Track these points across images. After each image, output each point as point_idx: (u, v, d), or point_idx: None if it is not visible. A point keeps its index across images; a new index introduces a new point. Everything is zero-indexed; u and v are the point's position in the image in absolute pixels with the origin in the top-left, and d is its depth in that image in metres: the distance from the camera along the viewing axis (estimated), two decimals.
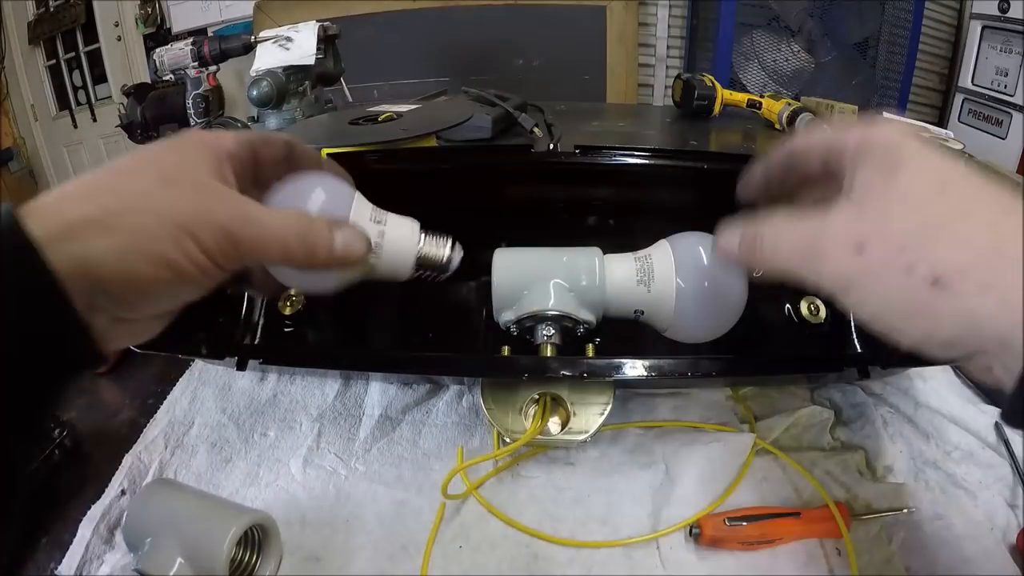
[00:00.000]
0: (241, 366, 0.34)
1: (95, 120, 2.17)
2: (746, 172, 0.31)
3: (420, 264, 0.31)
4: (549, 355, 0.33)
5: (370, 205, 0.32)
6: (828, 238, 0.23)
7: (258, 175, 0.30)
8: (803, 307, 0.40)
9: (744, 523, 0.32)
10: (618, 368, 0.32)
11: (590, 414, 0.35)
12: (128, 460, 0.38)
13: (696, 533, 0.32)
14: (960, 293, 0.20)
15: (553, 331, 0.33)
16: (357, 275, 0.31)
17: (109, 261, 0.22)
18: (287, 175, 0.30)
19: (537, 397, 0.36)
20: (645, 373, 0.32)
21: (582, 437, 0.35)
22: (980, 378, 0.23)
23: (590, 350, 0.34)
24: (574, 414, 0.35)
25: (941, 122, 1.45)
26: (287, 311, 0.40)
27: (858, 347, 0.38)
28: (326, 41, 1.03)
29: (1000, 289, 0.19)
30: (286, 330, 0.40)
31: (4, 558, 0.21)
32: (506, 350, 0.34)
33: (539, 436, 0.34)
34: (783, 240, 0.25)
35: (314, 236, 0.27)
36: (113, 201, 0.23)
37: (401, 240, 0.31)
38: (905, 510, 0.32)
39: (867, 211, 0.23)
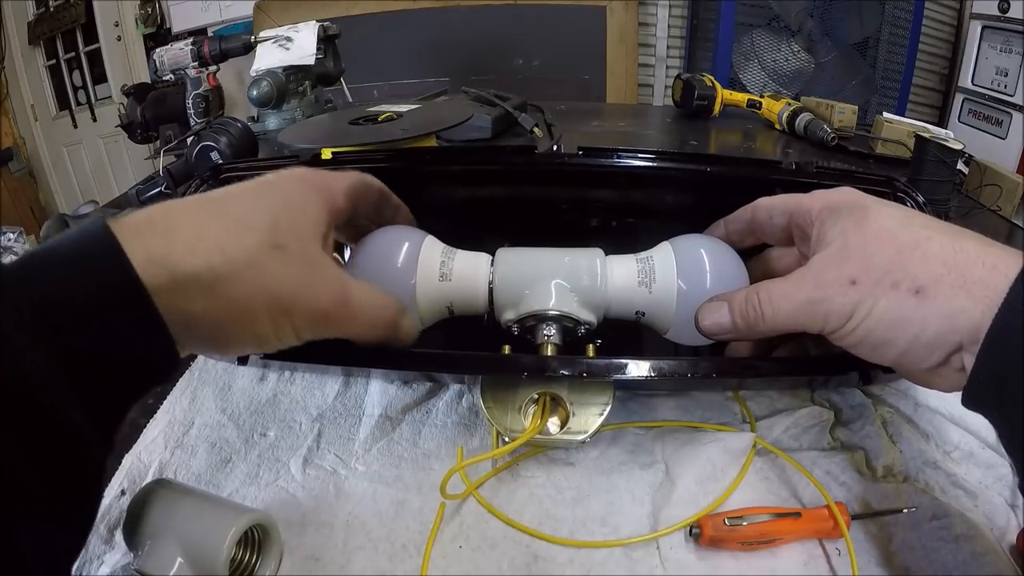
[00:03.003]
0: (242, 361, 0.34)
1: (95, 120, 2.17)
2: (711, 227, 0.36)
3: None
4: (549, 355, 0.33)
5: (441, 246, 0.36)
6: (825, 284, 0.27)
7: (352, 219, 0.34)
8: None
9: (744, 523, 0.32)
10: (618, 368, 0.32)
11: (589, 414, 0.35)
12: (128, 460, 0.38)
13: (696, 533, 0.32)
14: (938, 297, 0.24)
15: (554, 331, 0.33)
16: (439, 315, 0.34)
17: (206, 323, 0.23)
18: (370, 231, 0.35)
19: (536, 397, 0.36)
20: (645, 374, 0.32)
21: (581, 437, 0.35)
22: (952, 383, 0.27)
23: (590, 350, 0.34)
24: (573, 414, 0.35)
25: (941, 122, 1.45)
26: None
27: None
28: (326, 41, 1.03)
29: (967, 288, 0.24)
30: None
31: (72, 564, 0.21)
32: (507, 349, 0.34)
33: (538, 436, 0.34)
34: (782, 303, 0.28)
35: (392, 320, 0.30)
36: (220, 261, 0.23)
37: (469, 275, 0.33)
38: (905, 510, 0.32)
39: (850, 253, 0.27)
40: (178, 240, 0.22)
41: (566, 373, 0.32)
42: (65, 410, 0.19)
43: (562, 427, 0.35)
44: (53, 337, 0.19)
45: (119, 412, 0.23)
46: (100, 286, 0.20)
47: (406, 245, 0.34)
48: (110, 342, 0.20)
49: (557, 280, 0.34)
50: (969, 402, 0.26)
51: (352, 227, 0.36)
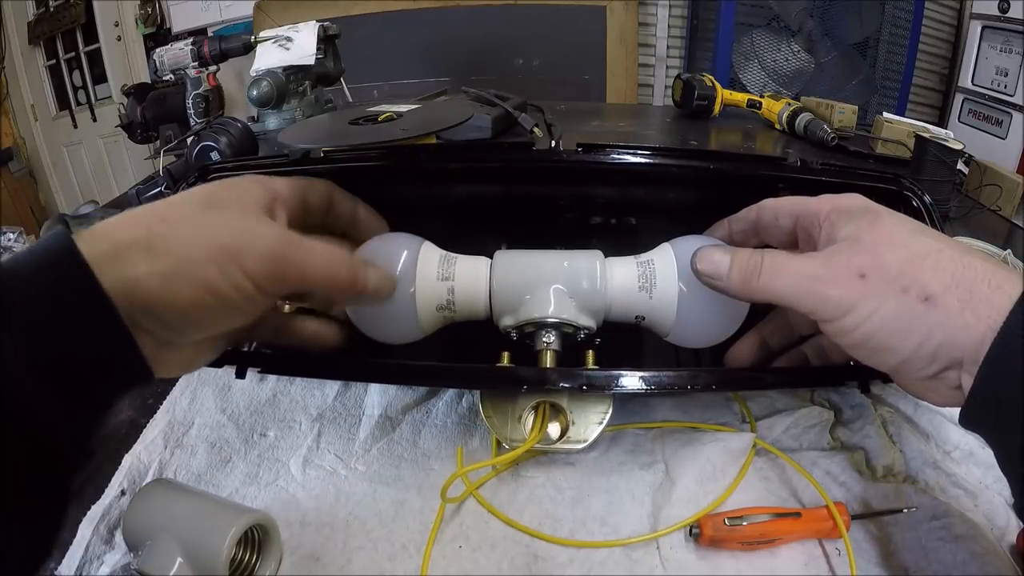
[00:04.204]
0: (240, 374, 0.34)
1: (95, 120, 2.17)
2: (714, 227, 0.35)
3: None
4: (549, 364, 0.33)
5: (439, 253, 0.35)
6: (833, 268, 0.27)
7: (304, 221, 0.33)
8: None
9: (744, 523, 0.32)
10: (617, 380, 0.32)
11: (589, 423, 0.35)
12: (128, 460, 0.38)
13: (696, 533, 0.32)
14: (946, 307, 0.24)
15: (553, 337, 0.33)
16: (441, 322, 0.34)
17: (153, 284, 0.23)
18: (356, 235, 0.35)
19: (536, 405, 0.36)
20: (645, 386, 0.32)
21: (580, 446, 0.35)
22: (945, 399, 0.27)
23: (590, 357, 0.33)
24: (572, 422, 0.35)
25: (941, 122, 1.45)
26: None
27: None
28: (326, 41, 1.03)
29: (973, 304, 0.24)
30: None
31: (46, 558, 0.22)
32: (506, 356, 0.34)
33: (537, 444, 0.34)
34: (785, 271, 0.28)
35: (354, 266, 0.30)
36: (159, 225, 0.24)
37: (470, 279, 0.33)
38: (905, 510, 0.32)
39: (863, 248, 0.27)
40: (122, 220, 0.25)
41: (566, 386, 0.32)
42: (38, 408, 0.20)
43: (562, 434, 0.35)
44: (20, 331, 0.20)
45: (92, 411, 0.23)
46: (53, 276, 0.21)
47: (404, 253, 0.33)
48: (65, 331, 0.21)
49: (556, 285, 0.33)
50: (966, 421, 0.26)
51: (315, 228, 0.34)
